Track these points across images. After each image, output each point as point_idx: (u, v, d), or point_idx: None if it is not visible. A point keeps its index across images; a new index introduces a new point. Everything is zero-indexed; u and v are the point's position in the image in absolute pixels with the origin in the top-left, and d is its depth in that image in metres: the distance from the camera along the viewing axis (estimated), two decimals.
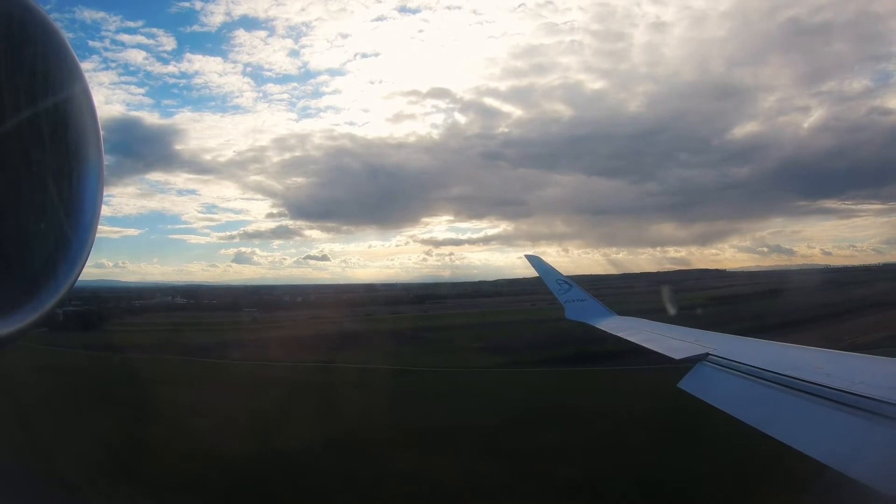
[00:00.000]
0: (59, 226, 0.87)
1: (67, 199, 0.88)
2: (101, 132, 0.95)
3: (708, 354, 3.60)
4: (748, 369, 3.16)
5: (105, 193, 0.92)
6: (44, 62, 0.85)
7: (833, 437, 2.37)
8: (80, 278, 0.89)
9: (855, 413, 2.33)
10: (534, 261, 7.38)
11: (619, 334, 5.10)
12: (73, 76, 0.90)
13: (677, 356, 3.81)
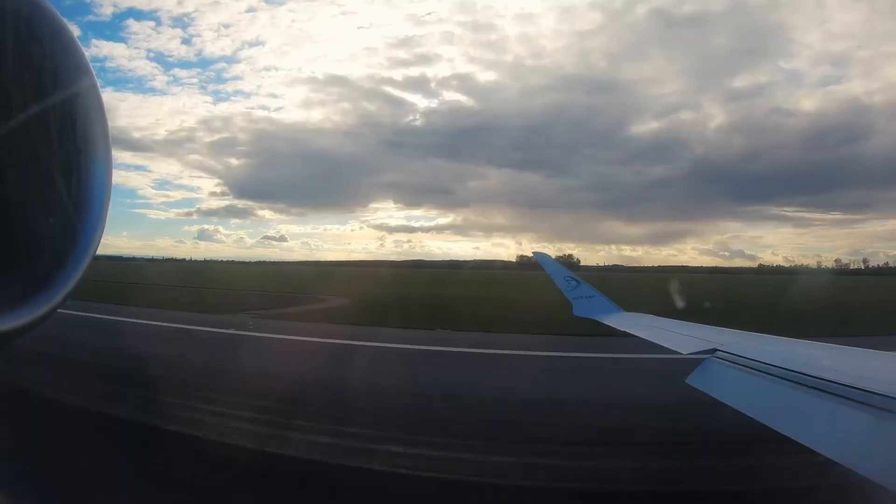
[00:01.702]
0: (67, 221, 0.88)
1: (76, 195, 0.90)
2: (110, 128, 0.96)
3: (716, 350, 3.59)
4: (757, 365, 3.14)
5: None
6: (52, 58, 0.86)
7: (842, 434, 2.35)
8: None
9: (864, 409, 2.31)
10: (541, 257, 7.35)
11: (626, 330, 5.08)
12: (81, 72, 0.92)
13: (685, 351, 3.80)
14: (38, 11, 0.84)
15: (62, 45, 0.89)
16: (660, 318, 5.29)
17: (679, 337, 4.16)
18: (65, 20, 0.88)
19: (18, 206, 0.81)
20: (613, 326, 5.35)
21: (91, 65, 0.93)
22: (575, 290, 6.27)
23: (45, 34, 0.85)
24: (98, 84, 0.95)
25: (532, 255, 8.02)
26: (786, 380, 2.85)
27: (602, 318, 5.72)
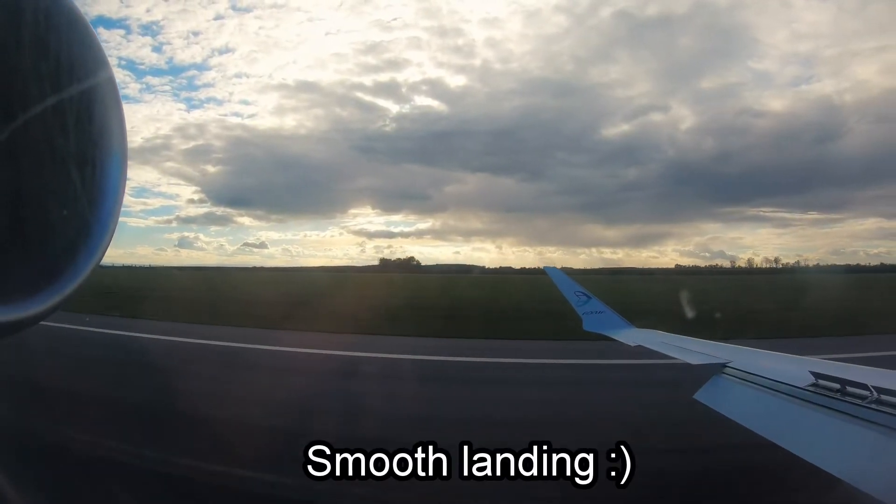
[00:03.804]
0: (81, 213, 0.87)
1: (90, 187, 0.89)
2: (126, 122, 0.96)
3: (725, 366, 3.57)
4: (765, 382, 3.12)
5: None
6: (69, 51, 0.85)
7: (850, 452, 2.33)
8: None
9: (872, 427, 2.29)
10: (552, 272, 7.27)
11: (637, 345, 5.06)
12: (98, 65, 0.91)
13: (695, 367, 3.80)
14: (56, 3, 0.84)
15: (79, 37, 0.88)
16: (669, 334, 5.25)
17: (688, 353, 4.14)
18: (82, 13, 0.88)
19: (33, 198, 0.80)
20: (624, 342, 5.32)
21: (108, 58, 0.93)
22: (585, 305, 6.21)
23: (63, 26, 0.85)
24: (115, 77, 0.94)
25: (543, 267, 8.05)
26: (794, 397, 2.83)
27: (612, 333, 5.67)
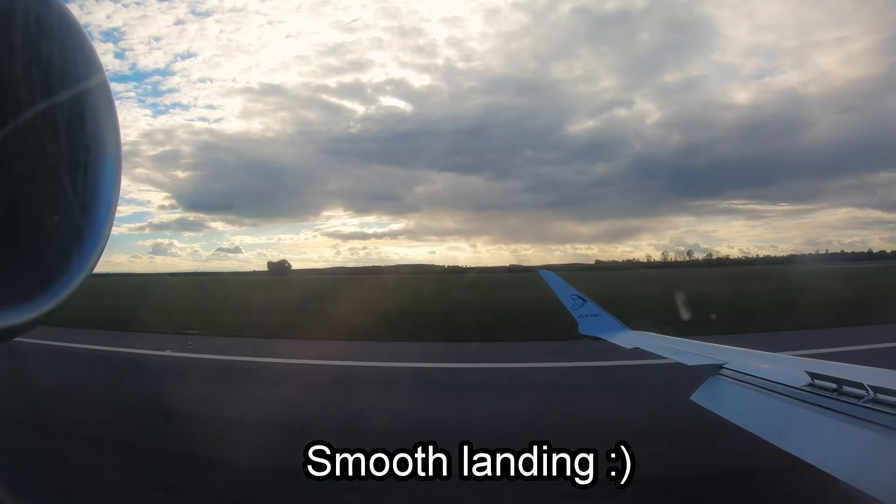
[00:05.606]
0: (73, 219, 0.87)
1: (83, 193, 0.89)
2: (120, 127, 0.95)
3: (721, 367, 3.57)
4: (762, 382, 3.13)
5: None
6: (61, 56, 0.85)
7: (847, 451, 2.33)
8: None
9: (870, 426, 2.29)
10: (548, 276, 7.24)
11: (633, 348, 5.05)
12: (91, 70, 0.91)
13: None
14: (48, 8, 0.84)
15: (72, 41, 0.88)
16: (664, 336, 5.25)
17: (684, 355, 4.14)
18: (75, 17, 0.88)
19: (24, 204, 0.80)
20: (619, 345, 5.30)
21: (101, 62, 0.92)
22: (581, 308, 6.19)
23: (55, 30, 0.84)
24: (108, 82, 0.94)
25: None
26: (791, 397, 2.83)
27: (608, 336, 5.66)
